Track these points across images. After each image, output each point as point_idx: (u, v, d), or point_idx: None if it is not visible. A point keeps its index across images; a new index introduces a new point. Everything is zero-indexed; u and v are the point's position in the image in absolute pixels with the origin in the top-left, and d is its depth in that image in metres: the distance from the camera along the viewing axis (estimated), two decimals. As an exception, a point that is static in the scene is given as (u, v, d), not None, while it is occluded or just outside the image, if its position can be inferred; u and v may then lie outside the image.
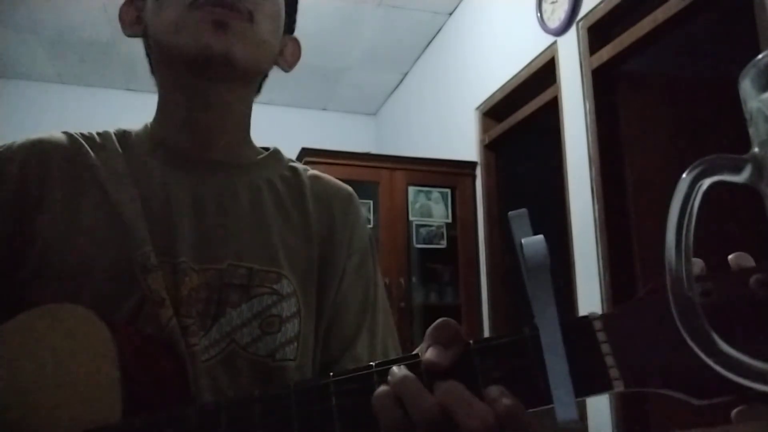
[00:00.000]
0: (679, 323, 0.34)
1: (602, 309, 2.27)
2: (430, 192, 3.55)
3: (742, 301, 0.38)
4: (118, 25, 0.75)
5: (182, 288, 0.62)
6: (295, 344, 0.66)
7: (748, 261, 0.41)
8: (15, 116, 4.15)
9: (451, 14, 3.83)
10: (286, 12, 0.77)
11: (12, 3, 3.54)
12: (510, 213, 0.42)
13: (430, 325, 0.44)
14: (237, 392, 0.61)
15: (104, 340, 0.51)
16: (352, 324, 0.72)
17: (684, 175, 0.34)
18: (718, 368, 0.32)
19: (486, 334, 3.22)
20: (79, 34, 3.87)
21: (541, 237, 0.41)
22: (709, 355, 0.33)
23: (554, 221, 2.58)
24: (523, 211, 0.42)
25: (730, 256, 0.41)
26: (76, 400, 0.50)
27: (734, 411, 0.38)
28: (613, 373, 0.39)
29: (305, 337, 0.67)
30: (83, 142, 0.70)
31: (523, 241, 0.41)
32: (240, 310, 0.64)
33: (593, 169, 2.41)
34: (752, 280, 0.38)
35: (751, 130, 0.35)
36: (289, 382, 0.60)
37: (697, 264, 0.41)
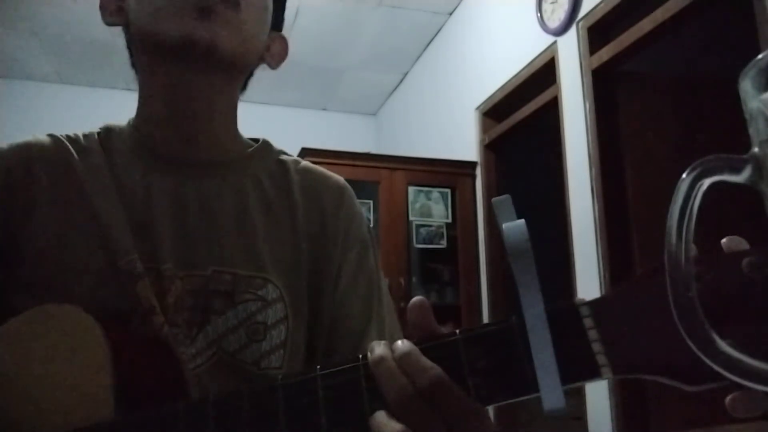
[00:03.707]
0: (679, 324, 0.33)
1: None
2: (430, 192, 3.55)
3: (733, 284, 0.37)
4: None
5: (168, 295, 0.61)
6: (282, 351, 0.64)
7: (742, 244, 0.40)
8: (15, 116, 4.15)
9: (451, 14, 3.83)
10: (273, 7, 0.74)
11: (12, 3, 3.54)
12: (493, 199, 0.42)
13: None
14: None
15: (98, 341, 0.51)
16: (360, 318, 0.69)
17: (684, 175, 0.34)
18: (719, 369, 0.32)
19: (486, 334, 3.22)
20: (79, 34, 3.87)
21: (522, 221, 0.40)
22: (709, 356, 0.33)
23: (554, 221, 2.58)
24: (506, 197, 0.42)
25: (723, 240, 0.40)
26: (69, 400, 0.49)
27: (729, 397, 0.37)
28: (601, 359, 0.38)
29: (294, 343, 0.65)
30: (68, 145, 0.68)
31: (504, 226, 0.40)
32: (225, 318, 0.62)
33: (593, 169, 2.41)
34: (744, 262, 0.37)
35: (751, 130, 0.35)
36: None
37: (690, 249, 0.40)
